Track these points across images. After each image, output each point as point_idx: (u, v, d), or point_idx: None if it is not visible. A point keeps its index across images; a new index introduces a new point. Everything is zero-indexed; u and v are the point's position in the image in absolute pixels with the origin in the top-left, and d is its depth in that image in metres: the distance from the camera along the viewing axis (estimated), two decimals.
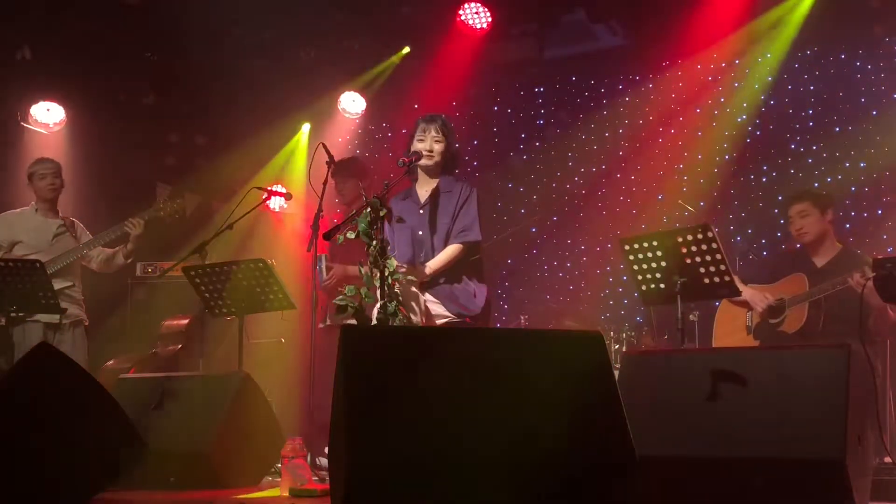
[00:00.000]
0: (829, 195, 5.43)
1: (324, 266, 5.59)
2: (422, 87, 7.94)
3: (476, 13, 7.64)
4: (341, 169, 5.76)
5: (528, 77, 8.37)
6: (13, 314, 5.39)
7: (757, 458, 3.16)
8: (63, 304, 5.49)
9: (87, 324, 5.87)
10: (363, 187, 5.20)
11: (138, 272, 6.97)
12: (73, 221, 5.98)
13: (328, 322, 5.67)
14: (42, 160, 5.91)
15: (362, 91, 8.12)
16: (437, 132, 4.60)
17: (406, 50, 7.88)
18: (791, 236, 5.43)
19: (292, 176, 8.16)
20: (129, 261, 6.01)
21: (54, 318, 5.52)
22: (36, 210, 5.87)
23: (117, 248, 5.92)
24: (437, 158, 4.60)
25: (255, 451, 4.57)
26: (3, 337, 5.36)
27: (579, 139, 8.14)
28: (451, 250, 4.50)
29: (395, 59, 7.93)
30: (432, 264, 4.46)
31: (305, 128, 8.30)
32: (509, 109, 8.55)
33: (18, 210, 5.93)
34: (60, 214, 5.95)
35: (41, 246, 5.72)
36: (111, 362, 6.44)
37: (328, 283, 5.62)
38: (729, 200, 7.42)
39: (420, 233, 4.58)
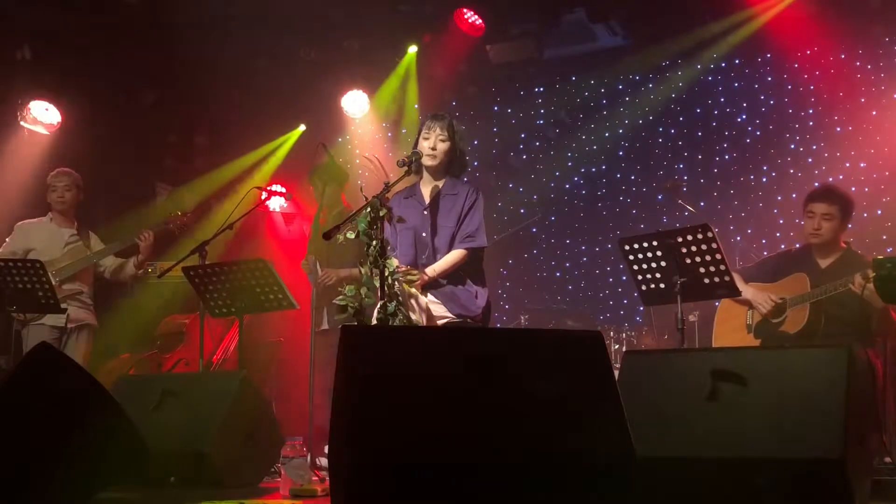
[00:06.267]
0: (854, 203, 5.07)
1: (317, 266, 5.56)
2: (422, 87, 7.94)
3: (475, 14, 7.63)
4: (320, 173, 5.72)
5: (528, 77, 8.37)
6: (17, 315, 5.49)
7: (757, 458, 3.15)
8: (73, 308, 5.71)
9: (96, 327, 5.98)
10: (344, 191, 5.11)
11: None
12: (88, 232, 6.10)
13: (326, 326, 5.65)
14: (58, 173, 6.02)
15: (362, 91, 8.09)
16: (443, 131, 4.48)
17: (413, 50, 7.84)
18: (790, 234, 5.37)
19: (289, 176, 8.14)
20: (140, 271, 6.06)
21: (60, 320, 5.64)
22: (51, 219, 5.99)
23: (128, 259, 6.02)
24: (440, 158, 4.50)
25: (255, 451, 4.56)
26: (10, 339, 5.41)
27: (579, 139, 8.15)
28: (456, 255, 4.44)
29: (404, 63, 7.89)
30: (435, 268, 4.41)
31: (301, 128, 8.28)
32: (509, 109, 8.55)
33: (36, 220, 6.04)
34: (76, 225, 6.04)
35: (53, 254, 5.82)
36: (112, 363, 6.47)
37: (323, 281, 5.59)
38: (729, 200, 7.42)
39: (423, 234, 4.52)
